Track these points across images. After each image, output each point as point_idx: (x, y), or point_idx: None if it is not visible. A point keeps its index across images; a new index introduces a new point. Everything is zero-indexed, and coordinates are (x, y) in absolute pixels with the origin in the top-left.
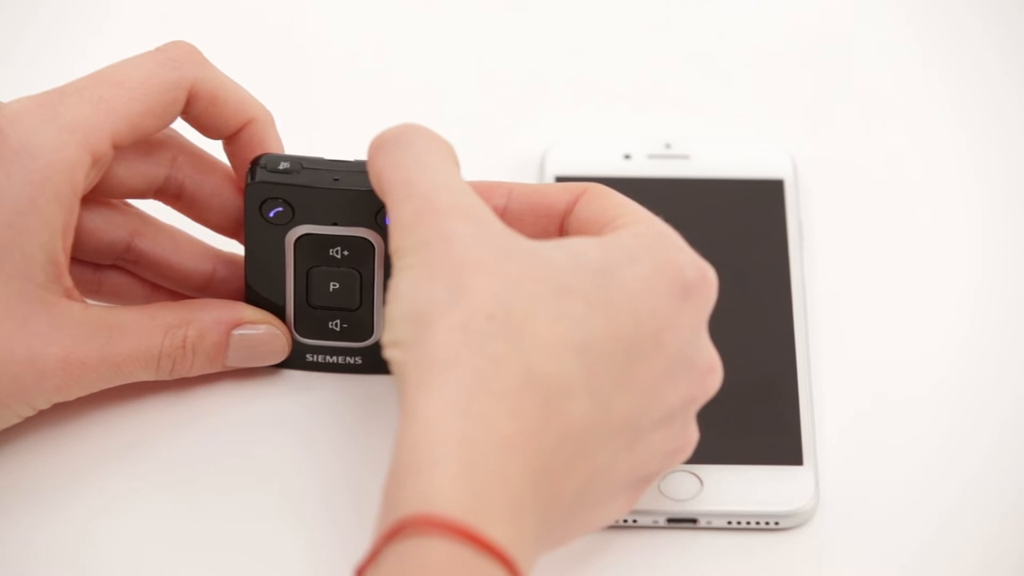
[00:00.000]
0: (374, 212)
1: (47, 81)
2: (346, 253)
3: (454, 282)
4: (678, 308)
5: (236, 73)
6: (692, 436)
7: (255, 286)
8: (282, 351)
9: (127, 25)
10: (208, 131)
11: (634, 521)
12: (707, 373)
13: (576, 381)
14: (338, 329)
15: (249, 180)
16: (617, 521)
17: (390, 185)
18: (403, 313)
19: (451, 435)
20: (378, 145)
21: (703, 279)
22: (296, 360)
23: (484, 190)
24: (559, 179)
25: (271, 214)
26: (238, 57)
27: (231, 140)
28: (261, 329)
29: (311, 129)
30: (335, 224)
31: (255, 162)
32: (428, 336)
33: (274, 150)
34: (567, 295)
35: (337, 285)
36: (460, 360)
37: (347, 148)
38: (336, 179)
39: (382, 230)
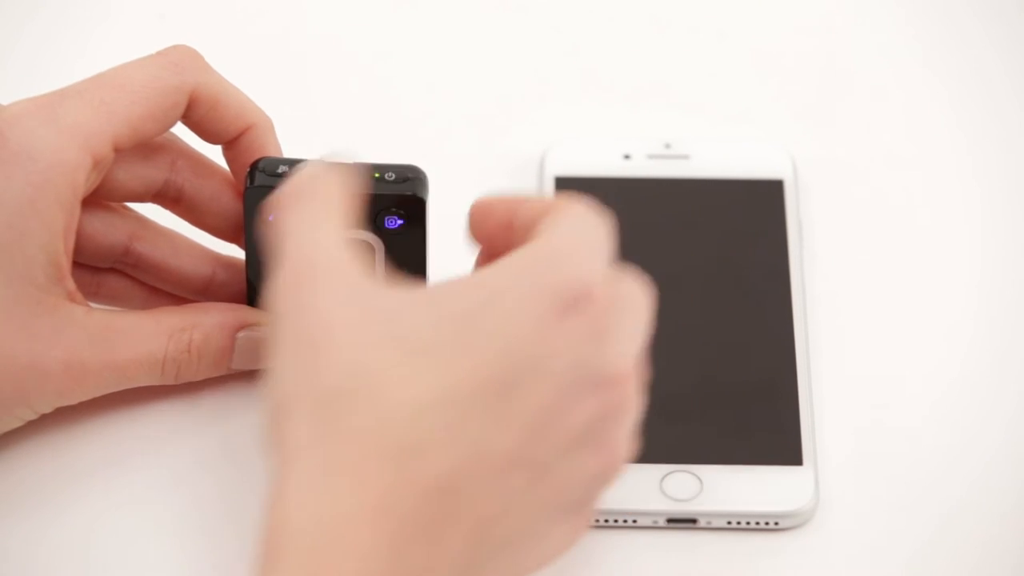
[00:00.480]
0: (374, 215)
1: (47, 81)
2: None
3: (306, 362)
4: (558, 330)
5: (235, 73)
6: (616, 454)
7: (258, 288)
8: None
9: (127, 25)
10: (208, 136)
11: (634, 521)
12: (613, 385)
13: (434, 435)
14: None
15: (248, 184)
16: (616, 521)
17: (276, 246)
18: (267, 408)
19: (299, 522)
20: (276, 199)
21: (585, 294)
22: None
23: (488, 207)
24: (559, 179)
25: (271, 217)
26: (237, 57)
27: (231, 145)
28: (265, 331)
29: (310, 129)
30: None
31: (254, 166)
32: (285, 426)
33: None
34: (424, 353)
35: None
36: (312, 444)
37: (345, 145)
38: None
39: (382, 233)
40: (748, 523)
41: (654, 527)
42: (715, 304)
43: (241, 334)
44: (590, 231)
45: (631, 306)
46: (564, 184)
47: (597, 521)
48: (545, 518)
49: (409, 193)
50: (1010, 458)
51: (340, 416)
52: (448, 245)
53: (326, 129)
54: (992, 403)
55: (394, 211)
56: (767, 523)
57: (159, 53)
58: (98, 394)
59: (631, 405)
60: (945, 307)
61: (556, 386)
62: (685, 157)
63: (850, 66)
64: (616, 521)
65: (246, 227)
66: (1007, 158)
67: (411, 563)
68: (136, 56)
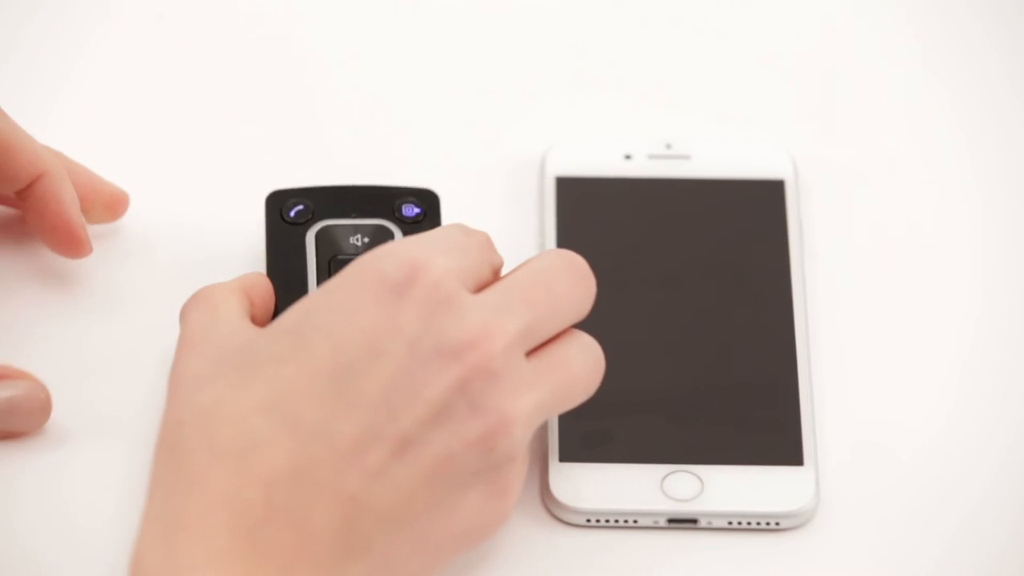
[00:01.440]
0: (391, 205)
1: (45, 82)
2: (366, 240)
3: (167, 408)
4: (393, 310)
5: (234, 74)
6: (500, 413)
7: (279, 295)
8: (41, 413)
9: (126, 25)
10: None
11: (634, 521)
12: (464, 351)
13: (269, 433)
14: None
15: (268, 196)
16: (616, 521)
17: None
18: None
19: (154, 546)
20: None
21: (412, 273)
22: None
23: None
24: (559, 179)
25: (292, 213)
26: (237, 58)
27: (24, 195)
28: (18, 388)
29: (309, 129)
30: (354, 217)
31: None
32: (153, 463)
33: (68, 203)
34: (256, 368)
35: None
36: (161, 476)
37: (345, 146)
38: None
39: (400, 222)
40: (749, 523)
41: (654, 527)
42: (716, 304)
43: None
44: (435, 233)
45: (441, 285)
46: (565, 184)
47: (598, 521)
48: (436, 488)
49: (424, 188)
50: (1014, 457)
51: (179, 443)
52: None
53: (325, 129)
54: (994, 402)
55: (412, 200)
56: (768, 523)
57: None
58: None
59: (498, 365)
60: (946, 307)
61: (396, 364)
62: (686, 157)
63: (851, 66)
64: (616, 521)
65: (268, 234)
66: (1008, 158)
67: (272, 543)
68: (135, 58)
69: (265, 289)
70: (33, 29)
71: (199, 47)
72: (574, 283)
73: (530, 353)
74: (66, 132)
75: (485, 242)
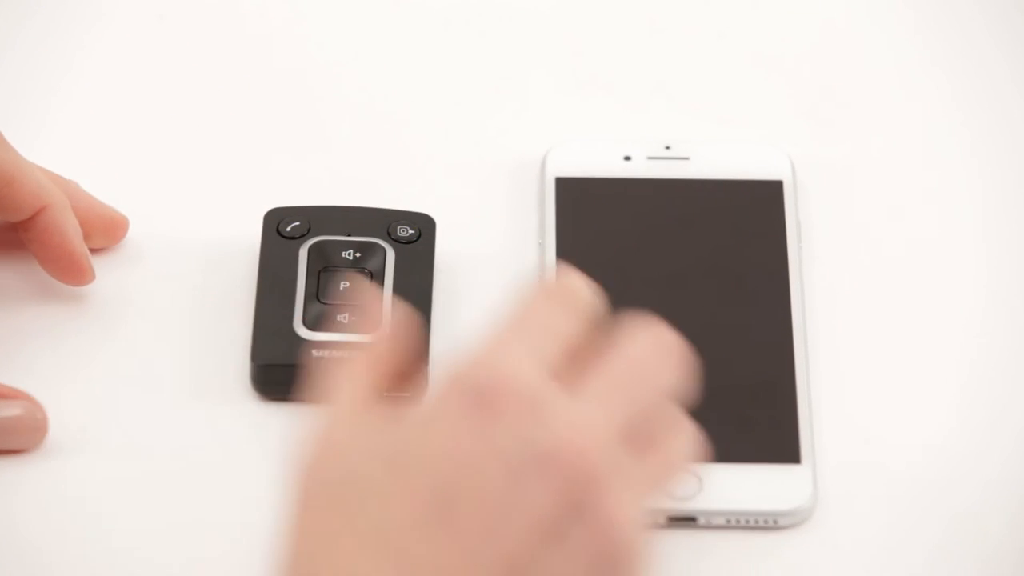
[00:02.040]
0: (386, 226)
1: (41, 82)
2: (358, 255)
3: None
4: (480, 428)
5: (234, 74)
6: (612, 523)
7: (263, 298)
8: (37, 433)
9: (126, 26)
10: (1, 212)
11: None
12: (559, 459)
13: (375, 572)
14: (346, 321)
15: (267, 212)
16: None
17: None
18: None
19: None
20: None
21: (497, 384)
22: (303, 357)
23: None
24: (559, 180)
25: (288, 228)
26: (236, 58)
27: (27, 226)
28: (16, 408)
29: (308, 129)
30: (349, 235)
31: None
32: None
33: (70, 235)
34: (364, 503)
35: (347, 284)
36: None
37: (345, 146)
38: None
39: (395, 242)
40: (747, 521)
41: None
42: (714, 304)
43: None
44: (518, 319)
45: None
46: (565, 184)
47: None
48: None
49: (421, 212)
50: (1013, 456)
51: None
52: (452, 249)
53: (325, 129)
54: (993, 402)
55: (406, 222)
56: (766, 521)
57: None
58: None
59: (602, 472)
60: (945, 308)
61: (495, 488)
62: (685, 158)
63: (850, 67)
64: None
65: (262, 249)
66: (1010, 159)
67: None
68: (134, 58)
69: (393, 357)
70: (30, 30)
71: (199, 48)
72: (670, 364)
73: (630, 443)
74: (63, 134)
75: (571, 302)
